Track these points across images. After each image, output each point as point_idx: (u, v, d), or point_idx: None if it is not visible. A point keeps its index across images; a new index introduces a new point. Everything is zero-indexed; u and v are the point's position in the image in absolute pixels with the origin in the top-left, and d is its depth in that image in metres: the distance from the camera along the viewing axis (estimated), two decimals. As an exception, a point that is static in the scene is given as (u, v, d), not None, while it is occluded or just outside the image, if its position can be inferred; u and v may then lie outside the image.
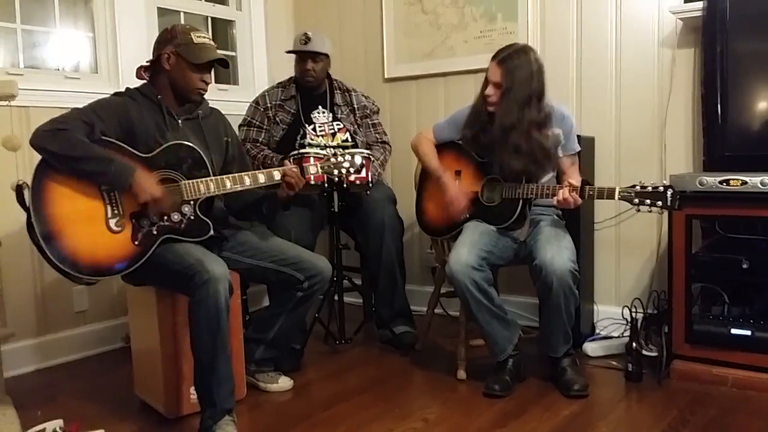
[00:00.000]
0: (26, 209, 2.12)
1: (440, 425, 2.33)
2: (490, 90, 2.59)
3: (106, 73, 3.27)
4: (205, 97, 2.51)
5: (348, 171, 2.58)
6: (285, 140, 3.23)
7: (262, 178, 2.43)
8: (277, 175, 2.45)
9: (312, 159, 2.87)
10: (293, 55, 3.30)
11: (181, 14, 3.66)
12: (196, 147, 2.35)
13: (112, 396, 2.65)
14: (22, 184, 2.12)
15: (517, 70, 2.53)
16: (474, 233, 2.61)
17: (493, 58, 2.60)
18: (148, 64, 2.42)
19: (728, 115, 2.73)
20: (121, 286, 3.20)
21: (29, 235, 2.12)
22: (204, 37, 2.39)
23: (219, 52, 2.43)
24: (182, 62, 2.35)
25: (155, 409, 2.46)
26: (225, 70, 3.97)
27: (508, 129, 2.54)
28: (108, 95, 2.39)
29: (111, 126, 2.25)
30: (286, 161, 2.90)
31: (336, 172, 2.57)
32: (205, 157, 2.35)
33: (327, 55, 3.28)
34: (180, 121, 2.41)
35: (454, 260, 2.51)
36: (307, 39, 3.21)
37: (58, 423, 2.25)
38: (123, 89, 2.43)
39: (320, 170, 2.56)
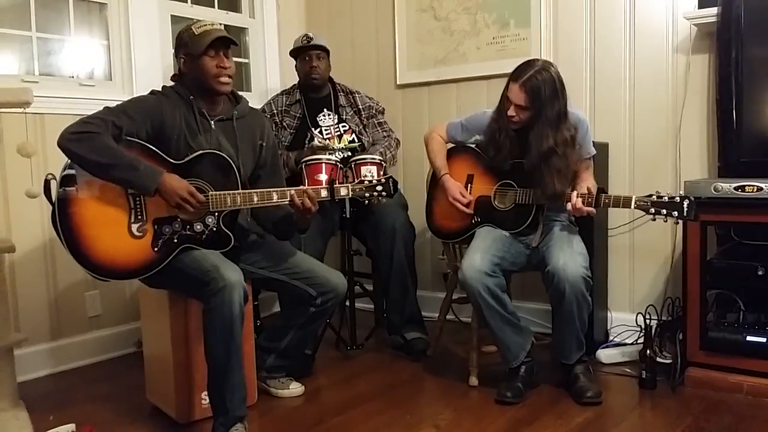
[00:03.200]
0: (52, 203, 2.13)
1: (452, 432, 2.32)
2: (512, 111, 2.53)
3: (121, 81, 3.30)
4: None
5: (381, 194, 2.51)
6: (293, 144, 3.27)
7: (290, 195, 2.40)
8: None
9: (324, 166, 2.89)
10: (295, 61, 3.38)
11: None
12: (227, 157, 2.32)
13: (124, 401, 2.65)
14: (50, 179, 2.14)
15: (542, 91, 2.46)
16: (487, 239, 2.60)
17: (514, 78, 2.51)
18: (176, 73, 2.44)
19: (743, 120, 2.71)
20: (134, 291, 3.22)
21: (54, 228, 2.14)
22: (204, 26, 2.36)
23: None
24: (193, 58, 2.34)
25: (167, 414, 2.46)
26: (239, 79, 4.01)
27: (548, 154, 2.50)
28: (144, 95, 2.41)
29: (142, 125, 2.24)
30: (302, 166, 2.93)
31: (367, 194, 2.50)
32: (235, 168, 2.33)
33: (328, 53, 3.36)
34: (213, 122, 2.39)
35: (467, 266, 2.50)
36: (309, 38, 3.30)
37: (70, 427, 2.26)
38: (159, 88, 2.43)
39: (351, 193, 2.49)
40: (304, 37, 3.32)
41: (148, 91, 2.42)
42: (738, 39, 2.69)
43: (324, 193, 2.44)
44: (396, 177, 3.63)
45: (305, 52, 3.30)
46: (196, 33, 2.34)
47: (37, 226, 2.93)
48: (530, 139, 2.54)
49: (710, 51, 2.93)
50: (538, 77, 2.46)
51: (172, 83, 2.42)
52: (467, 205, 2.73)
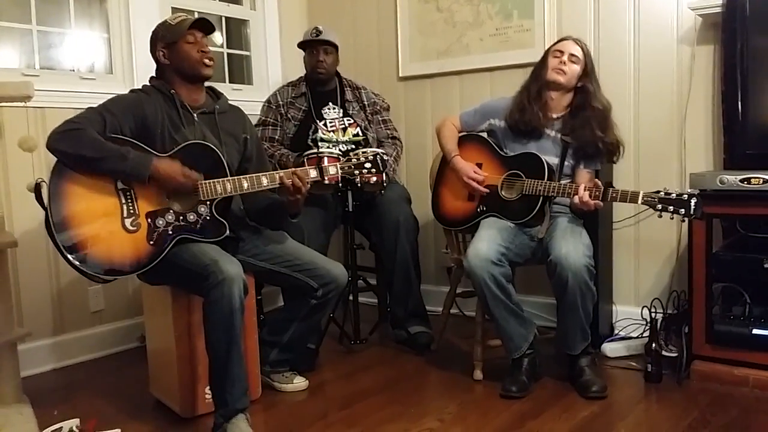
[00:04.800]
0: (44, 208, 2.12)
1: (457, 426, 2.31)
2: (566, 57, 2.63)
3: (121, 74, 3.28)
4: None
5: (370, 171, 2.51)
6: (297, 136, 3.26)
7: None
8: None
9: (326, 159, 2.87)
10: (303, 53, 3.36)
11: (195, 14, 3.65)
12: (214, 147, 2.33)
13: (128, 395, 2.65)
14: (40, 183, 2.12)
15: (590, 52, 2.71)
16: (492, 228, 2.59)
17: (563, 39, 2.72)
18: (155, 73, 2.44)
19: (749, 112, 2.69)
20: (136, 286, 3.21)
21: (47, 233, 2.12)
22: (179, 16, 2.39)
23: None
24: (172, 47, 2.35)
25: (170, 409, 2.46)
26: (240, 71, 3.99)
27: (607, 110, 2.68)
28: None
29: (125, 121, 2.24)
30: (304, 161, 2.91)
31: (357, 172, 2.50)
32: (221, 157, 2.33)
33: (337, 48, 3.33)
34: (195, 115, 2.40)
35: (472, 254, 2.49)
36: (318, 32, 3.28)
37: (74, 422, 2.26)
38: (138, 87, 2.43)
39: (340, 171, 2.49)
40: (314, 30, 3.29)
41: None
42: (743, 29, 2.67)
43: (313, 173, 2.43)
44: (399, 170, 3.63)
45: (313, 46, 3.28)
46: (172, 23, 2.38)
47: (39, 221, 2.90)
48: (590, 89, 2.67)
49: (715, 41, 2.90)
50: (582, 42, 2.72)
51: (150, 84, 2.42)
52: (482, 183, 2.72)
